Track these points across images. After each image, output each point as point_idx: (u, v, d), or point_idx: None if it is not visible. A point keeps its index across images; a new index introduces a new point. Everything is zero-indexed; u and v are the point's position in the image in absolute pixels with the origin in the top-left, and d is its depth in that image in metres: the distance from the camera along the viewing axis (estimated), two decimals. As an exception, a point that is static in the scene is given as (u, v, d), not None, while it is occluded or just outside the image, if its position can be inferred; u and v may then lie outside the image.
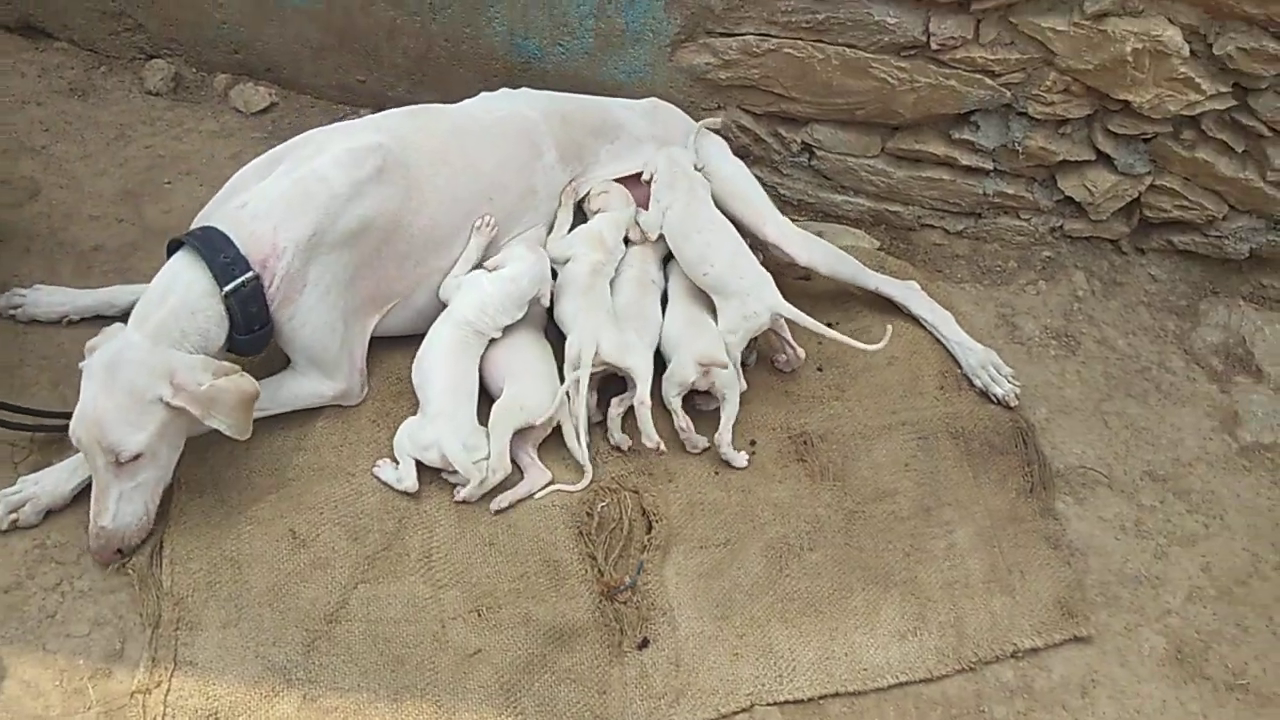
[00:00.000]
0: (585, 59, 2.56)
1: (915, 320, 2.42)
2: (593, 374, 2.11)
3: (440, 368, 2.06)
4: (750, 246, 2.32)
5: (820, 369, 2.35)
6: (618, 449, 2.14)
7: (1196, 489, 2.28)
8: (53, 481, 1.93)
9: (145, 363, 1.81)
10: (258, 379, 1.94)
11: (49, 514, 1.94)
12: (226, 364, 1.89)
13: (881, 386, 2.33)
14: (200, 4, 2.72)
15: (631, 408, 2.14)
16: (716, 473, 2.14)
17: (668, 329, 2.24)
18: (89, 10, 2.81)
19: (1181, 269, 2.64)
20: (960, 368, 2.36)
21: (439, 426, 1.98)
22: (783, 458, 2.19)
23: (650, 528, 2.04)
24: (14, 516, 1.90)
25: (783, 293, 2.23)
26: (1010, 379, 2.33)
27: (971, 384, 2.34)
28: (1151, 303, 2.61)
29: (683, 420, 2.15)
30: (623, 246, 2.33)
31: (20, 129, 2.70)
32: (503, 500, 1.99)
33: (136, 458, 1.80)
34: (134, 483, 1.84)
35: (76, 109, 2.78)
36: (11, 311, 2.23)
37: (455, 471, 1.99)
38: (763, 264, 2.29)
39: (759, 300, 2.20)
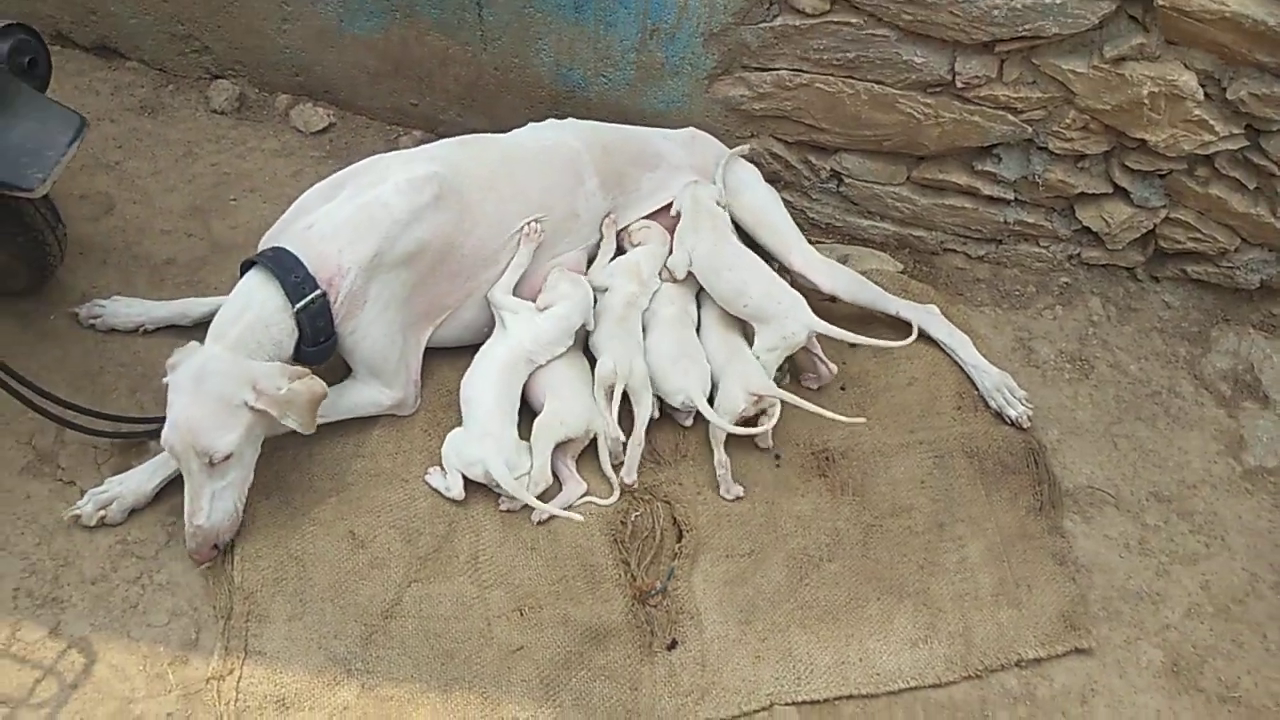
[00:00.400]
0: (627, 89, 2.71)
1: (934, 343, 2.54)
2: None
3: (489, 390, 2.21)
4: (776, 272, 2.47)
5: (844, 388, 2.49)
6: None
7: (1200, 510, 2.40)
8: (136, 482, 2.10)
9: (229, 372, 1.98)
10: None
11: (132, 512, 2.11)
12: (298, 368, 2.06)
13: (901, 406, 2.46)
14: (264, 29, 2.88)
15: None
16: (742, 486, 2.28)
17: (712, 360, 2.37)
18: (159, 32, 2.97)
19: (1195, 297, 2.75)
20: (977, 390, 2.49)
21: (485, 446, 2.13)
22: (806, 473, 2.33)
23: (680, 537, 2.19)
24: (102, 513, 2.07)
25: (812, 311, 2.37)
26: (1024, 401, 2.45)
27: (987, 406, 2.47)
28: (1164, 329, 2.72)
29: (723, 458, 2.26)
30: (657, 280, 2.47)
31: (95, 146, 2.87)
32: (543, 513, 2.14)
33: (227, 458, 1.96)
34: (224, 482, 1.99)
35: (147, 126, 2.96)
36: (92, 321, 2.41)
37: (496, 484, 2.14)
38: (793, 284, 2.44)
39: (796, 320, 2.33)
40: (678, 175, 2.58)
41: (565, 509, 2.15)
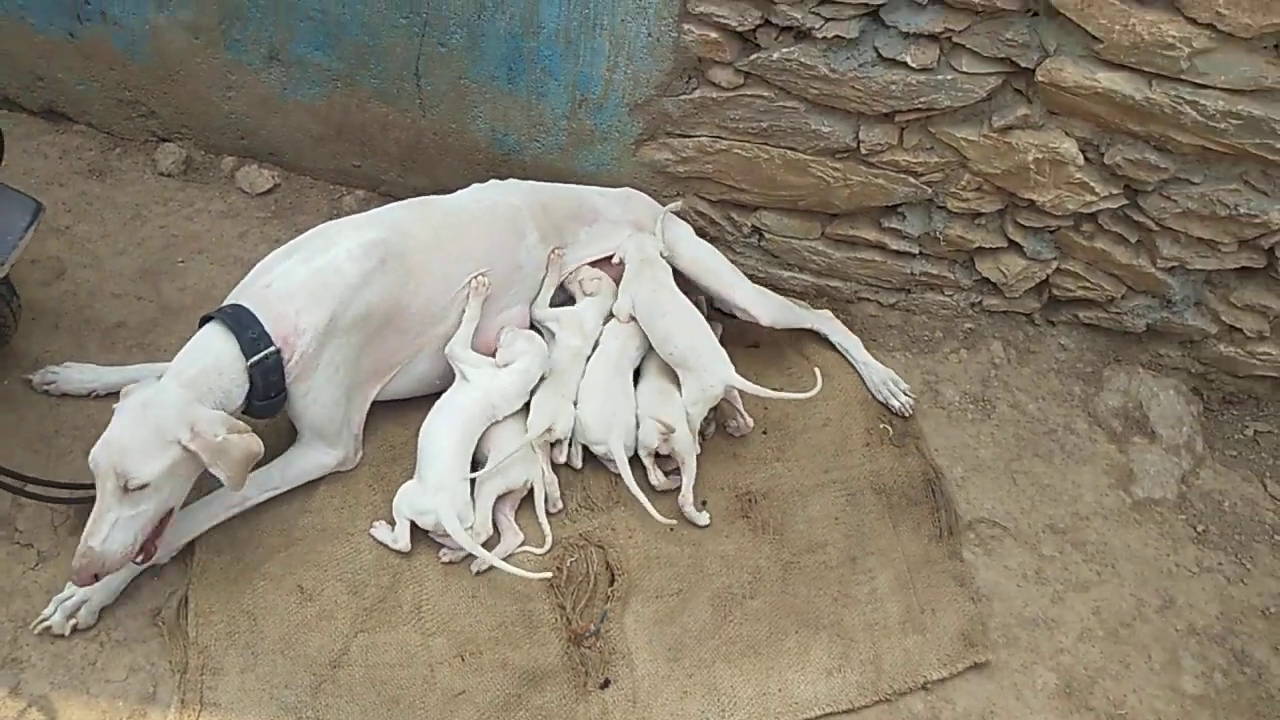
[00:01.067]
0: (559, 153, 2.87)
1: (832, 345, 2.83)
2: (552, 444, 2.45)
3: (448, 446, 2.33)
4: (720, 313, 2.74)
5: (765, 432, 2.66)
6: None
7: (1092, 540, 2.60)
8: (103, 582, 2.12)
9: (174, 407, 2.05)
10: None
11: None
12: (239, 423, 2.15)
13: (817, 446, 2.64)
14: (210, 95, 3.00)
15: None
16: (672, 529, 2.44)
17: (641, 399, 2.54)
18: (106, 97, 3.08)
19: (1088, 339, 2.97)
20: (865, 385, 2.76)
21: (440, 499, 2.25)
22: (730, 514, 2.50)
23: (613, 580, 2.34)
24: (73, 621, 2.14)
25: (736, 364, 2.53)
26: (906, 393, 2.74)
27: (874, 398, 2.74)
28: (1061, 370, 2.94)
29: (657, 474, 2.47)
30: (599, 330, 2.64)
31: (46, 210, 2.96)
32: (484, 563, 2.28)
33: (143, 487, 2.00)
34: (132, 512, 2.01)
35: (95, 189, 3.06)
36: (46, 387, 2.51)
37: (444, 534, 2.28)
38: (724, 334, 2.66)
39: (714, 374, 2.50)
40: (616, 229, 2.76)
41: (504, 558, 2.28)
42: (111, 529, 2.00)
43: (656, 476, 2.47)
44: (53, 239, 2.89)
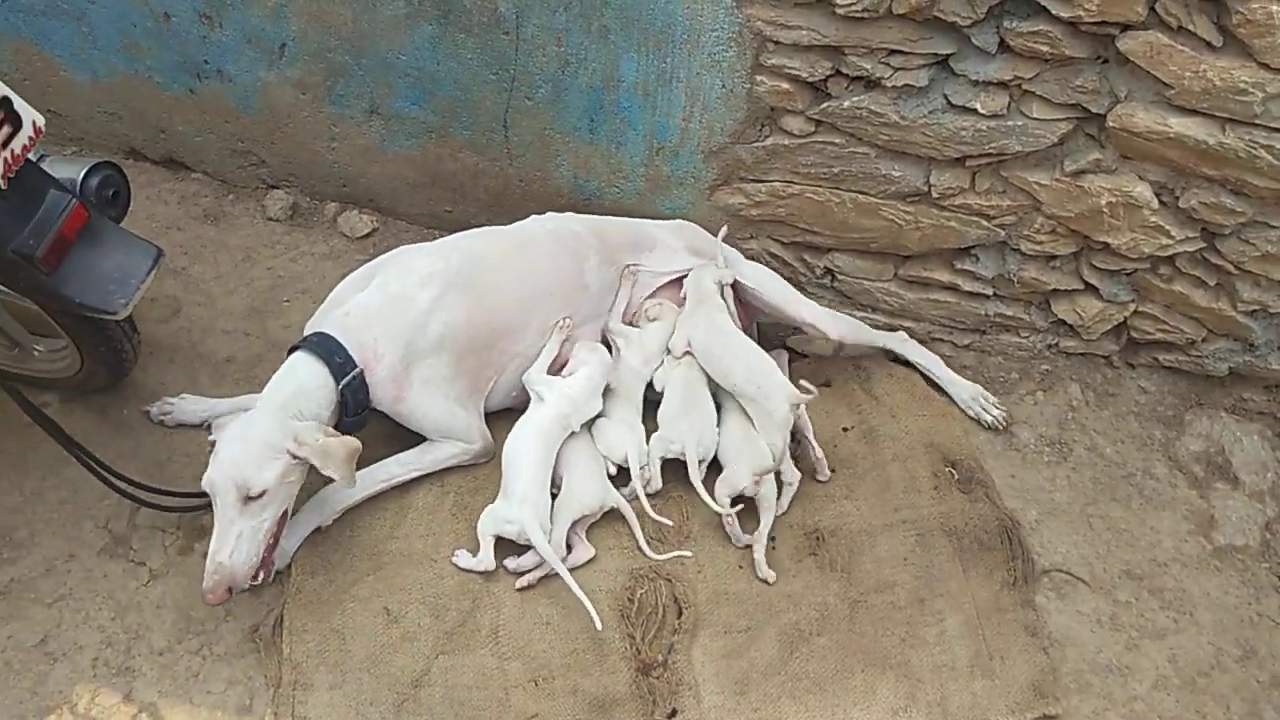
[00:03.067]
0: (637, 198, 2.99)
1: (910, 365, 2.87)
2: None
3: (528, 461, 2.47)
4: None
5: (833, 470, 2.70)
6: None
7: (1170, 587, 2.57)
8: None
9: (274, 425, 2.26)
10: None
11: (191, 588, 2.38)
12: (333, 430, 2.34)
13: (885, 483, 2.67)
14: (315, 146, 3.21)
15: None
16: (740, 566, 2.50)
17: (724, 442, 2.61)
18: (221, 148, 3.32)
19: (1169, 382, 2.94)
20: (955, 403, 2.80)
21: (524, 511, 2.39)
22: (798, 552, 2.55)
23: (681, 613, 2.41)
24: None
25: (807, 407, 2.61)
26: (997, 406, 2.75)
27: (965, 414, 2.79)
28: (1141, 413, 2.91)
29: (730, 515, 2.50)
30: (661, 358, 2.74)
31: (166, 252, 3.21)
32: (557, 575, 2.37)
33: (261, 494, 2.18)
34: (253, 523, 2.19)
35: (210, 233, 3.29)
36: (162, 418, 2.72)
37: (520, 555, 2.41)
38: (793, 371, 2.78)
39: (774, 397, 2.54)
40: (674, 255, 2.87)
41: (571, 570, 2.38)
42: (237, 542, 2.17)
43: (734, 529, 2.52)
44: (170, 279, 3.12)
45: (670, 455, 2.58)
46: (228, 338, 2.98)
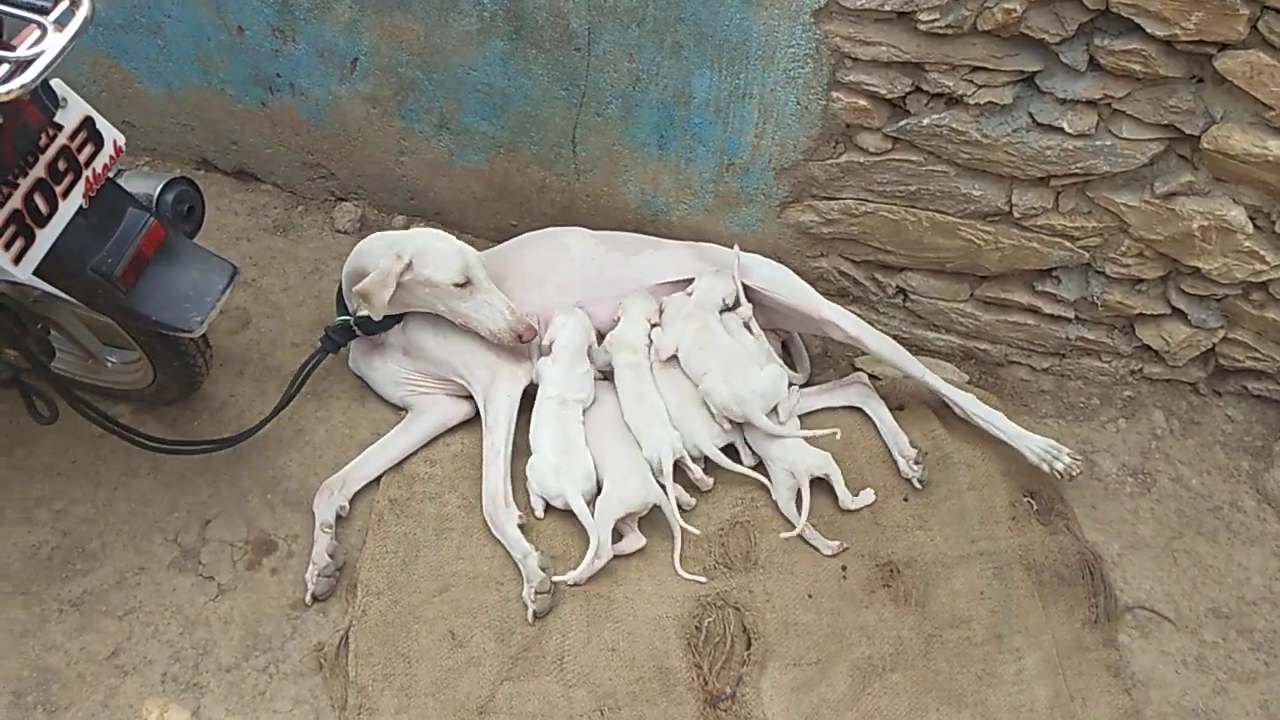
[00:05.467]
0: (705, 215, 2.95)
1: (964, 418, 2.66)
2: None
3: (546, 436, 2.56)
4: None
5: (906, 499, 2.64)
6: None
7: (1260, 627, 2.46)
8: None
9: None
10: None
11: (259, 604, 2.40)
12: None
13: (960, 513, 2.59)
14: (384, 160, 3.21)
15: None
16: (810, 596, 2.44)
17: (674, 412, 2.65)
18: (291, 160, 3.34)
19: (1258, 411, 2.82)
20: (1026, 458, 2.57)
21: (564, 483, 2.47)
22: (870, 583, 2.48)
23: (750, 644, 2.36)
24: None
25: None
26: (1070, 455, 2.54)
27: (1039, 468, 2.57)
28: (1227, 443, 2.80)
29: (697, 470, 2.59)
30: (647, 340, 2.74)
31: (235, 263, 3.23)
32: (595, 565, 2.40)
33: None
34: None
35: (279, 245, 3.31)
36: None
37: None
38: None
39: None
40: (681, 255, 2.87)
41: (634, 596, 2.38)
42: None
43: (697, 472, 2.58)
44: (240, 290, 3.13)
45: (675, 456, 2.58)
46: (296, 350, 2.98)
